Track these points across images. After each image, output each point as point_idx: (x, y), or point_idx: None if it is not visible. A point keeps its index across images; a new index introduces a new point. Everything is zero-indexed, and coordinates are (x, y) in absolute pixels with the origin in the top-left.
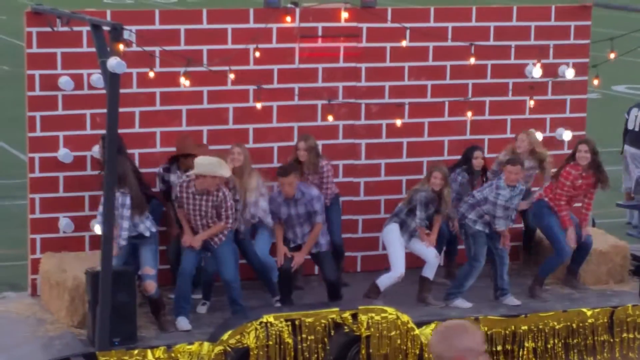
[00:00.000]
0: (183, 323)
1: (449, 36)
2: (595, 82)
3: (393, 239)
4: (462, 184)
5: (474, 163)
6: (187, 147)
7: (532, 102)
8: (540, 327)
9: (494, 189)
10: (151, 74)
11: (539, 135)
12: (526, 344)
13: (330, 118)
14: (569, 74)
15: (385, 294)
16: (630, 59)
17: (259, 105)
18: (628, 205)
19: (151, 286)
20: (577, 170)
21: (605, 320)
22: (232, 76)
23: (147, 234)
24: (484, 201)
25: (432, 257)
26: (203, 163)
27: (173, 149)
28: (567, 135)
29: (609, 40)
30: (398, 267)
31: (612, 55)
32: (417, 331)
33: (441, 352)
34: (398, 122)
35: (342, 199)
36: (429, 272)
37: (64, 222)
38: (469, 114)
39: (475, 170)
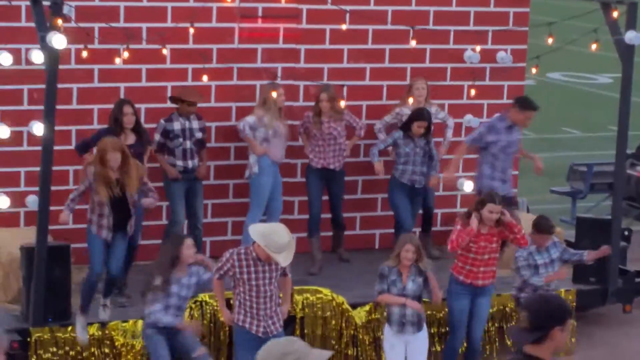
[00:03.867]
0: None
1: (389, 19)
2: (534, 70)
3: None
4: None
5: (414, 130)
6: (192, 95)
7: (472, 91)
8: None
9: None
10: (84, 53)
11: (476, 121)
12: None
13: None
14: (507, 59)
15: (323, 274)
16: (566, 46)
17: (205, 78)
18: (562, 191)
19: None
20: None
21: None
22: (165, 51)
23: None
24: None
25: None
26: (274, 240)
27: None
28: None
29: (547, 27)
30: None
31: (550, 40)
32: (351, 312)
33: None
34: (342, 104)
35: (283, 180)
36: None
37: None
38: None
39: (415, 136)
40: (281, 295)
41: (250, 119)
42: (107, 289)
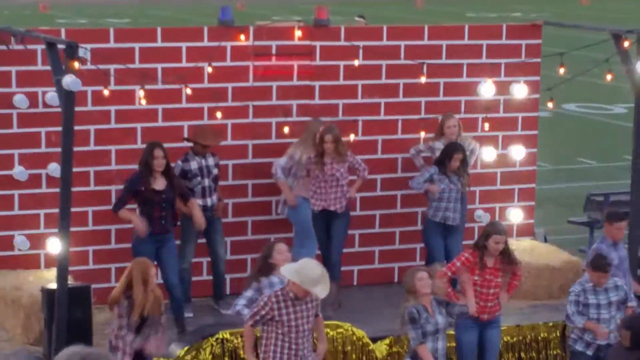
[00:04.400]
0: None
1: (402, 55)
2: (550, 104)
3: None
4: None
5: (451, 164)
6: (207, 137)
7: (487, 125)
8: None
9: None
10: (106, 92)
11: (493, 153)
12: None
13: (286, 129)
14: (521, 92)
15: (343, 309)
16: (580, 78)
17: (219, 115)
18: (579, 222)
19: None
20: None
21: (557, 334)
22: (188, 91)
23: None
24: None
25: None
26: (306, 275)
27: (128, 166)
28: (519, 152)
29: (559, 57)
30: None
31: (561, 70)
32: (372, 346)
33: None
34: (351, 137)
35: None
36: None
37: (19, 240)
38: (422, 133)
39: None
40: (316, 335)
41: (282, 161)
42: None
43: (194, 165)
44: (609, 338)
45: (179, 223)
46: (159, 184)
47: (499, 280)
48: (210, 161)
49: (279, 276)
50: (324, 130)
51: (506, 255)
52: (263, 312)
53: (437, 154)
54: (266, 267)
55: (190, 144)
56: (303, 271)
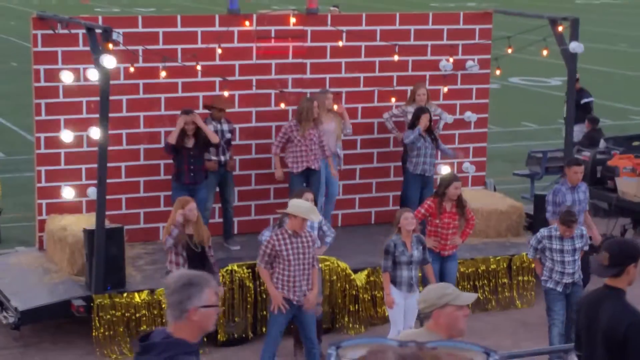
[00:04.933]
0: None
1: (377, 37)
2: (497, 72)
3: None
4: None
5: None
6: (222, 103)
7: (445, 89)
8: None
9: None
10: (132, 69)
11: (451, 118)
12: None
13: (282, 105)
14: (474, 68)
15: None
16: (523, 55)
17: (226, 94)
18: (522, 174)
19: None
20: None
21: (505, 266)
22: (199, 67)
23: None
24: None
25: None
26: (298, 205)
27: (154, 129)
28: (473, 117)
29: (506, 39)
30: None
31: (509, 51)
32: (353, 276)
33: None
34: (335, 107)
35: None
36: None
37: (65, 190)
38: (393, 99)
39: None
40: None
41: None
42: None
43: (211, 128)
44: (575, 278)
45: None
46: (189, 143)
47: (456, 223)
48: (225, 127)
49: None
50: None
51: (460, 201)
52: (268, 251)
53: (409, 116)
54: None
55: (209, 111)
56: (297, 205)
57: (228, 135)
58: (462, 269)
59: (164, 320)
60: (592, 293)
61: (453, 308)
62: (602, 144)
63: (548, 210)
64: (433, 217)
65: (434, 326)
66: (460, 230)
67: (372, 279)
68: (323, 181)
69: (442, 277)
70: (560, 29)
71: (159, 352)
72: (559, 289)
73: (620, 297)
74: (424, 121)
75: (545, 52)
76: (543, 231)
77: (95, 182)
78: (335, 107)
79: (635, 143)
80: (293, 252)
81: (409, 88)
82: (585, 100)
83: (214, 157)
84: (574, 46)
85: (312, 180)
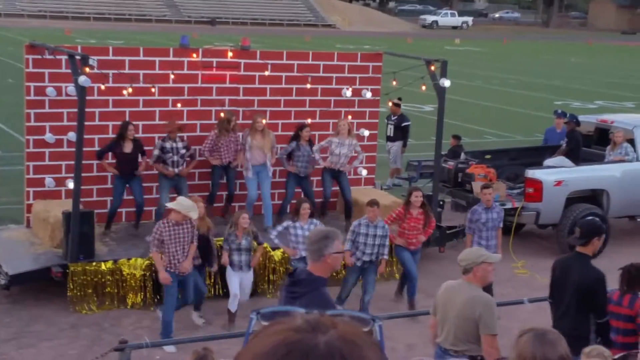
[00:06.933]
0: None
1: (295, 69)
2: (390, 104)
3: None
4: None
5: (303, 135)
6: (173, 128)
7: (344, 110)
8: None
9: None
10: (103, 88)
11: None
12: None
13: (221, 114)
14: (368, 95)
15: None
16: (407, 88)
17: (179, 105)
18: (403, 177)
19: None
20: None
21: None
22: (155, 89)
23: None
24: None
25: None
26: (181, 203)
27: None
28: (366, 132)
29: (392, 74)
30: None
31: (394, 83)
32: (272, 252)
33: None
34: (263, 121)
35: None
36: None
37: (48, 181)
38: (309, 120)
39: (302, 142)
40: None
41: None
42: None
43: (168, 145)
44: (372, 257)
45: (137, 172)
46: (128, 148)
47: (420, 225)
48: (180, 145)
49: (300, 222)
50: (228, 114)
51: (425, 208)
52: (157, 236)
53: (333, 146)
54: (295, 213)
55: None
56: (181, 203)
57: (182, 151)
58: None
59: (124, 285)
60: (566, 257)
61: (486, 265)
62: (462, 156)
63: (466, 225)
64: (402, 221)
65: (472, 278)
66: (424, 230)
67: (286, 255)
68: (268, 181)
69: (410, 264)
70: (433, 68)
71: (305, 285)
72: (359, 264)
73: (587, 260)
74: (304, 134)
75: (423, 87)
76: (355, 222)
77: (72, 175)
78: (264, 121)
79: (487, 156)
80: (174, 238)
81: (318, 109)
82: (405, 123)
83: (170, 168)
84: (443, 81)
85: (229, 173)
